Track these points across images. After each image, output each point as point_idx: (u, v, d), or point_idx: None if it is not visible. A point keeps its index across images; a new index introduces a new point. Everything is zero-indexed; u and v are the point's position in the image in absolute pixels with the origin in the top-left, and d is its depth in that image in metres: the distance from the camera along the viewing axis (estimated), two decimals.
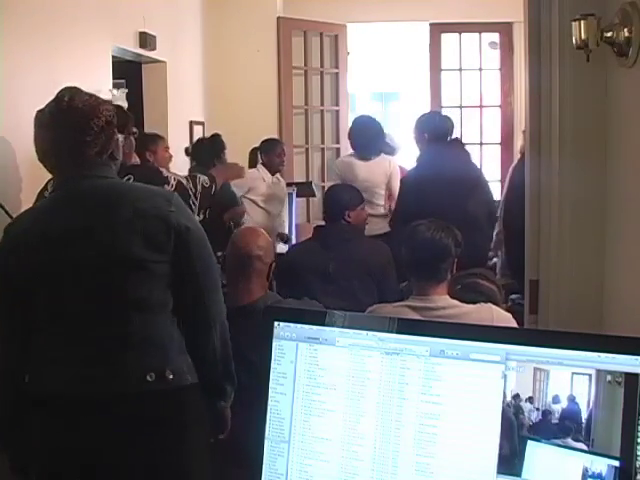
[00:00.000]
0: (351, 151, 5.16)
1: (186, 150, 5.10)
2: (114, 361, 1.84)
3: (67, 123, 1.91)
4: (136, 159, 3.30)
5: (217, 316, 2.00)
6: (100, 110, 1.94)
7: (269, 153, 5.27)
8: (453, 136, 4.53)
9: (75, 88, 2.01)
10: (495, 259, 4.56)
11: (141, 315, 1.87)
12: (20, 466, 1.99)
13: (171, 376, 1.85)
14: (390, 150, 5.55)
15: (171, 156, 4.32)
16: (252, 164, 5.35)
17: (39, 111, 1.98)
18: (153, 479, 1.88)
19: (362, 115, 5.52)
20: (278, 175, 5.32)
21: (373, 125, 5.05)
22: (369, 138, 4.94)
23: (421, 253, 2.45)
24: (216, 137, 5.04)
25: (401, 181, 4.55)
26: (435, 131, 4.28)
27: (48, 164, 1.99)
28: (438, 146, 4.24)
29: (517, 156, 5.40)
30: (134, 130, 3.17)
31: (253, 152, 5.43)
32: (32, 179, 3.16)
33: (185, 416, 1.91)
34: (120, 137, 2.06)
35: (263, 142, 5.34)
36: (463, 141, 4.89)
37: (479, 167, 4.64)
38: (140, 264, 1.87)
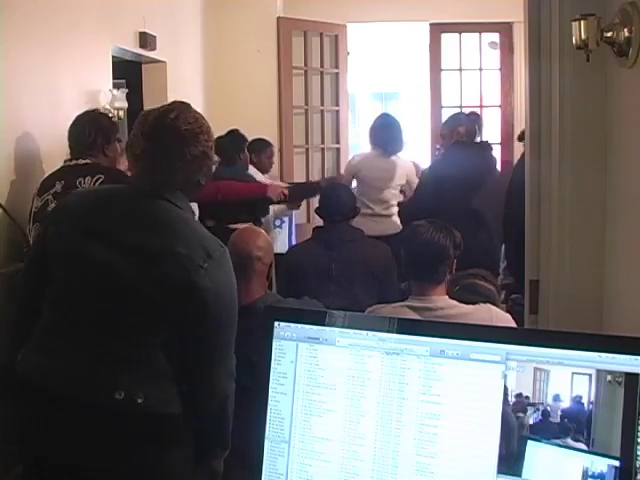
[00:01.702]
0: (366, 150, 5.13)
1: None
2: (91, 368, 1.82)
3: (164, 142, 1.85)
4: (125, 164, 3.29)
5: (218, 384, 1.90)
6: (199, 140, 1.88)
7: (260, 154, 5.30)
8: (481, 139, 4.59)
9: (184, 105, 1.93)
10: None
11: (129, 338, 1.83)
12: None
13: (139, 400, 1.79)
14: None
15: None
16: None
17: (144, 115, 1.92)
18: None
19: (385, 113, 5.51)
20: (267, 175, 5.35)
21: (396, 123, 5.02)
22: (393, 135, 4.90)
23: (420, 254, 2.45)
24: (234, 132, 5.04)
25: (420, 178, 4.56)
26: (464, 130, 4.31)
27: (134, 169, 1.96)
28: (463, 146, 4.26)
29: (517, 156, 5.41)
30: (119, 137, 3.21)
31: None
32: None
33: (154, 439, 1.83)
34: (212, 166, 2.00)
35: (253, 141, 5.34)
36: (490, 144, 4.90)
37: (499, 172, 4.64)
38: (140, 297, 1.82)
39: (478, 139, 4.85)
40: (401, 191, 4.98)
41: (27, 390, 1.87)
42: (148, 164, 1.89)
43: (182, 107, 1.92)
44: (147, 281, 1.81)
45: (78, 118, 3.10)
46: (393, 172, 4.87)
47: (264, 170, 5.32)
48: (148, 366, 1.84)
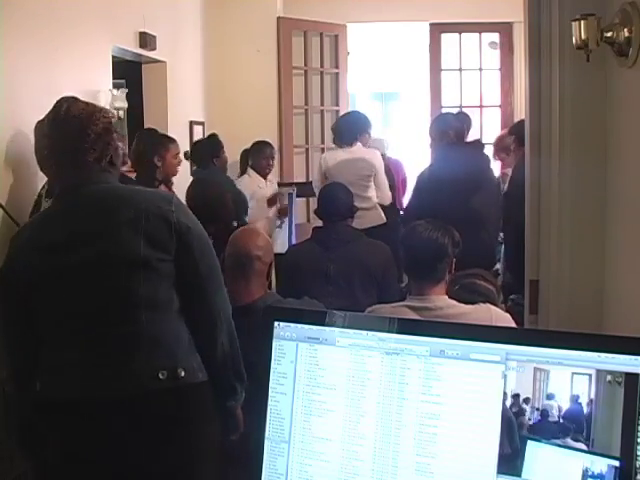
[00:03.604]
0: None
1: (185, 154, 5.10)
2: (125, 361, 1.85)
3: (65, 131, 1.95)
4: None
5: (222, 312, 2.02)
6: (97, 117, 1.98)
7: (256, 156, 5.30)
8: (473, 138, 4.58)
9: (72, 97, 2.04)
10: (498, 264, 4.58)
11: (148, 314, 1.89)
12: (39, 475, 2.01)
13: (183, 373, 1.87)
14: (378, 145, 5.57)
15: (180, 162, 4.13)
16: (243, 166, 5.38)
17: (39, 122, 2.02)
18: (165, 478, 1.89)
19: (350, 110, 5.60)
20: (270, 177, 5.34)
21: (354, 115, 5.08)
22: (347, 125, 4.93)
23: (418, 253, 2.45)
24: (213, 137, 5.06)
25: (416, 179, 4.56)
26: (453, 132, 4.32)
27: (49, 172, 2.04)
28: (456, 147, 4.25)
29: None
30: (116, 129, 3.17)
31: (244, 154, 5.44)
32: (32, 179, 3.16)
33: (197, 413, 1.92)
34: (120, 144, 2.09)
35: (253, 144, 5.36)
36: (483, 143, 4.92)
37: (492, 171, 4.65)
38: (144, 263, 1.89)
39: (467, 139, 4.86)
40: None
41: (67, 409, 1.87)
42: (59, 158, 1.96)
43: (70, 99, 2.03)
44: (137, 245, 1.88)
45: None
46: (355, 165, 4.81)
47: (261, 173, 5.31)
48: (173, 338, 1.91)
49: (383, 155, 5.35)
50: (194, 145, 5.23)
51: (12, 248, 2.00)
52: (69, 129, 1.95)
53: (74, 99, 2.03)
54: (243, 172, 5.40)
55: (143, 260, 1.88)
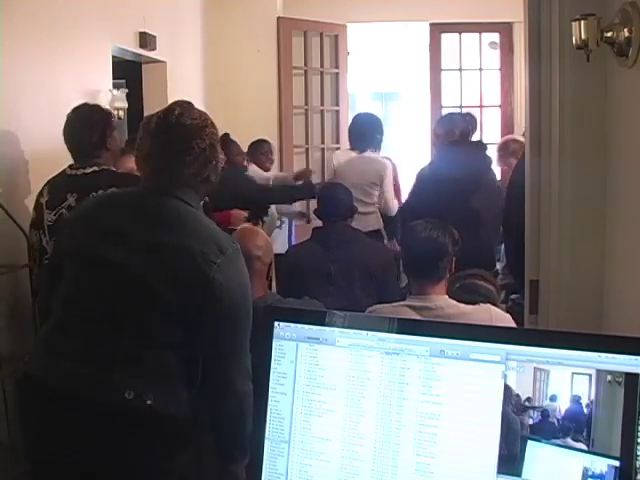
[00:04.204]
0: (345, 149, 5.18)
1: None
2: (102, 367, 1.81)
3: (171, 138, 1.88)
4: (125, 165, 3.25)
5: (233, 384, 1.87)
6: (206, 132, 1.91)
7: (255, 153, 5.32)
8: (476, 138, 4.58)
9: (188, 103, 1.97)
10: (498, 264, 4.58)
11: (139, 335, 1.83)
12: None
13: (149, 401, 1.78)
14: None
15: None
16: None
17: (148, 117, 1.96)
18: None
19: (360, 112, 5.55)
20: (270, 173, 5.35)
21: (371, 120, 5.05)
22: (365, 131, 4.91)
23: (418, 252, 2.46)
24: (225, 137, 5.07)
25: (415, 177, 4.56)
26: (458, 132, 4.32)
27: (144, 171, 1.97)
28: (458, 146, 4.26)
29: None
30: (114, 125, 3.14)
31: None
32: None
33: (162, 442, 1.83)
34: (221, 161, 2.01)
35: (250, 145, 5.38)
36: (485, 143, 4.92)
37: (494, 172, 4.66)
38: (157, 294, 1.81)
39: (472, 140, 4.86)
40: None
41: (36, 389, 1.87)
42: (157, 162, 1.91)
43: (185, 104, 1.96)
44: (159, 278, 1.81)
45: (70, 119, 2.99)
46: (365, 170, 4.84)
47: (264, 168, 5.35)
48: (159, 367, 1.83)
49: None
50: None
51: (75, 212, 2.01)
52: (175, 137, 1.88)
53: (189, 105, 1.95)
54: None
55: (157, 292, 1.81)
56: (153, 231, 1.85)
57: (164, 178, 1.90)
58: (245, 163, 5.14)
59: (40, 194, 2.96)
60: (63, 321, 1.90)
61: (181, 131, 1.88)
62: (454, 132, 4.34)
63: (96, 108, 3.10)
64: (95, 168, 2.90)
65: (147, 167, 1.94)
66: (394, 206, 4.95)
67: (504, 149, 5.10)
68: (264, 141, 5.54)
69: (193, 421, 1.88)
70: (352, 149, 4.94)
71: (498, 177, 4.75)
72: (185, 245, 1.81)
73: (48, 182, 2.98)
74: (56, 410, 1.83)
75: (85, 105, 3.09)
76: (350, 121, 5.21)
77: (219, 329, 1.84)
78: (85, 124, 2.94)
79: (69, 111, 3.01)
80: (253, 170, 5.23)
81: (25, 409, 1.92)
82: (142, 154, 1.93)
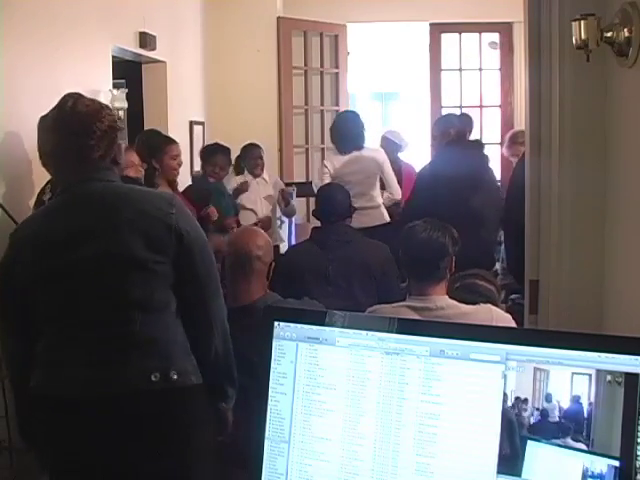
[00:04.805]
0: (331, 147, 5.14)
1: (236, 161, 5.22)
2: (118, 361, 1.85)
3: (70, 127, 1.93)
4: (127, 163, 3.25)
5: (218, 317, 2.02)
6: (102, 114, 1.96)
7: (246, 158, 5.32)
8: (473, 137, 4.58)
9: (77, 94, 2.03)
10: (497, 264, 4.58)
11: (144, 315, 1.88)
12: (43, 465, 2.01)
13: (175, 376, 1.86)
14: (396, 147, 5.56)
15: (180, 163, 4.07)
16: (238, 171, 5.37)
17: (43, 116, 2.00)
18: (157, 478, 1.88)
19: (343, 111, 5.53)
20: (264, 176, 5.31)
21: (354, 118, 5.00)
22: (353, 131, 4.88)
23: (418, 253, 2.45)
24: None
25: (416, 178, 4.57)
26: (454, 132, 4.33)
27: (51, 168, 2.01)
28: (456, 146, 4.26)
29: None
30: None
31: (237, 160, 5.42)
32: (32, 179, 3.17)
33: (189, 416, 1.91)
34: (122, 143, 2.09)
35: (242, 148, 5.37)
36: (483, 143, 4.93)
37: (492, 170, 4.66)
38: (141, 264, 1.88)
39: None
40: (382, 188, 4.97)
41: (53, 405, 1.87)
42: (63, 155, 1.94)
43: (75, 95, 2.01)
44: (136, 247, 1.87)
45: None
46: (359, 164, 4.82)
47: (252, 173, 5.29)
48: (168, 340, 1.91)
49: (392, 155, 5.32)
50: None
51: (12, 243, 1.99)
52: (75, 125, 1.93)
53: (79, 95, 2.01)
54: (238, 173, 5.40)
55: (140, 261, 1.88)
56: (109, 215, 1.91)
57: (77, 168, 1.94)
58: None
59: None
60: (60, 335, 1.91)
61: (79, 118, 1.93)
62: (449, 132, 4.35)
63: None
64: None
65: (54, 162, 1.98)
66: (398, 188, 4.97)
67: (513, 140, 5.11)
68: (253, 145, 5.45)
69: (206, 388, 1.97)
70: (342, 151, 4.88)
71: (498, 177, 4.77)
72: (142, 210, 1.91)
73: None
74: (82, 420, 1.84)
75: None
76: (332, 122, 5.17)
77: (196, 270, 1.96)
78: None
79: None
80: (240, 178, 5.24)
81: (49, 428, 1.91)
82: (46, 152, 1.97)
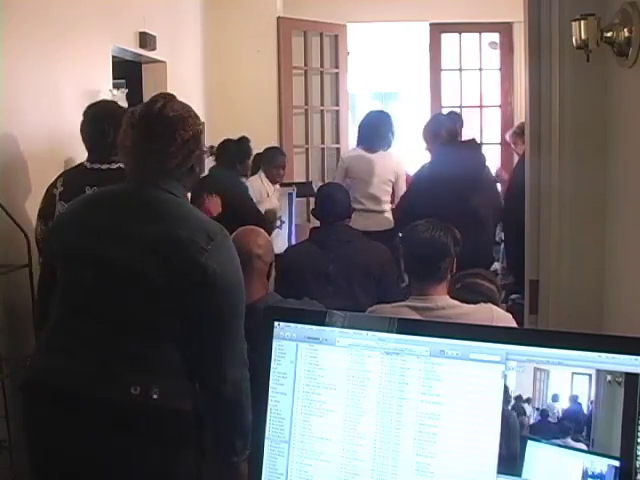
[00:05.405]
0: (354, 147, 5.15)
1: (210, 149, 5.05)
2: (105, 365, 1.82)
3: (153, 129, 1.88)
4: None
5: (228, 369, 1.87)
6: (189, 123, 1.91)
7: (269, 164, 5.28)
8: (467, 137, 4.57)
9: (170, 95, 1.99)
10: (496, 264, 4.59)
11: (141, 329, 1.83)
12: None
13: (155, 395, 1.79)
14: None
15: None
16: (255, 170, 5.35)
17: (130, 110, 1.96)
18: None
19: (373, 110, 5.52)
20: (277, 185, 5.34)
21: (382, 119, 5.04)
22: (378, 130, 4.92)
23: (420, 253, 2.45)
24: (243, 141, 5.04)
25: (413, 178, 4.57)
26: (445, 132, 4.33)
27: (127, 163, 1.97)
28: (452, 146, 4.26)
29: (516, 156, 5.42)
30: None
31: (256, 158, 5.40)
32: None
33: (169, 436, 1.83)
34: (205, 154, 2.04)
35: (265, 150, 5.34)
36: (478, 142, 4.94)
37: (489, 169, 4.66)
38: (154, 286, 1.82)
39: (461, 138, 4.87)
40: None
41: (39, 392, 1.87)
42: (140, 154, 1.91)
43: (167, 96, 1.97)
44: (155, 271, 1.81)
45: (89, 114, 2.98)
46: (380, 167, 4.87)
47: (272, 180, 5.29)
48: (161, 361, 1.84)
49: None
50: (222, 143, 5.14)
51: (63, 213, 2.01)
52: (158, 129, 1.88)
53: (171, 98, 1.96)
54: (253, 173, 5.37)
55: (153, 283, 1.82)
56: (139, 222, 1.86)
57: (148, 170, 1.90)
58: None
59: (53, 186, 2.94)
60: (62, 322, 1.90)
61: (164, 122, 1.88)
62: (441, 134, 4.34)
63: (116, 105, 3.12)
64: (120, 165, 2.88)
65: (130, 159, 1.94)
66: None
67: (519, 133, 5.11)
68: (279, 152, 5.43)
69: (195, 416, 1.87)
70: (364, 148, 4.92)
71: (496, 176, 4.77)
72: (174, 233, 1.82)
73: (63, 174, 2.98)
74: (60, 411, 1.83)
75: (102, 101, 3.13)
76: (362, 119, 5.14)
77: (214, 316, 1.84)
78: (107, 123, 2.90)
79: (89, 105, 3.04)
80: (259, 185, 5.19)
81: (29, 413, 1.91)
82: (125, 146, 1.93)
